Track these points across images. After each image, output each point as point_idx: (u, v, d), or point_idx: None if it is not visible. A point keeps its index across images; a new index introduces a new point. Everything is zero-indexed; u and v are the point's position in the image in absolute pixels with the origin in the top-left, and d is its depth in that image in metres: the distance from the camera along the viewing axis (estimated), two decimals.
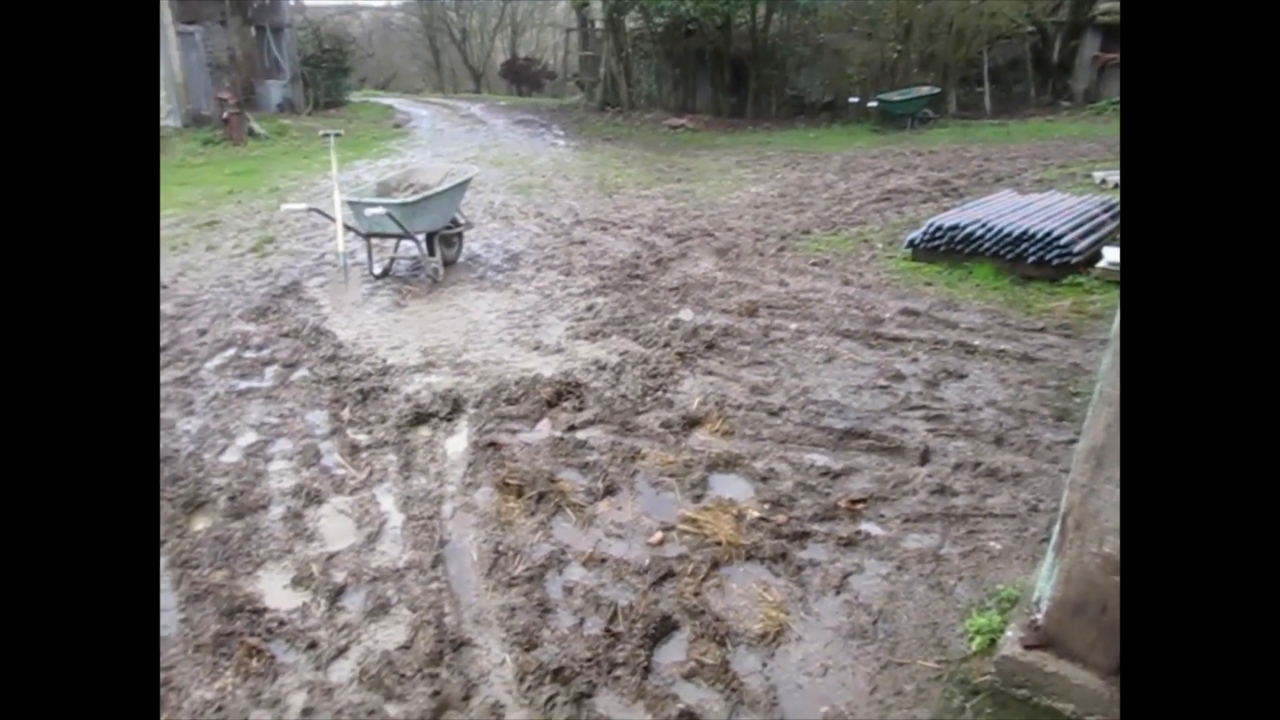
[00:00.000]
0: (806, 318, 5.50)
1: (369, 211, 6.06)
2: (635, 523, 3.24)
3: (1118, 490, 1.93)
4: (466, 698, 2.39)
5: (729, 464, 3.63)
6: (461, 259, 7.23)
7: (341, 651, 2.59)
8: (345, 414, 4.22)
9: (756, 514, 3.23)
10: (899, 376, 4.51)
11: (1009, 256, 6.26)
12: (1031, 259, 6.14)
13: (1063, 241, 6.02)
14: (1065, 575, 2.15)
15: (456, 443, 3.92)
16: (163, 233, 8.31)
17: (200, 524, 3.30)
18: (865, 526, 3.17)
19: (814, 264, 6.88)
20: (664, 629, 2.64)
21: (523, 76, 32.46)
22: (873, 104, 16.68)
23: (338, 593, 2.86)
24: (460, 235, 7.21)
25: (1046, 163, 11.35)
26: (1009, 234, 6.24)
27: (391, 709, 2.35)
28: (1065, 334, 5.09)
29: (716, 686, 2.42)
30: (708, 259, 7.12)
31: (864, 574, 2.91)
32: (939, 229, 6.63)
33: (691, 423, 4.02)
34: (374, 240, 6.64)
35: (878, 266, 6.77)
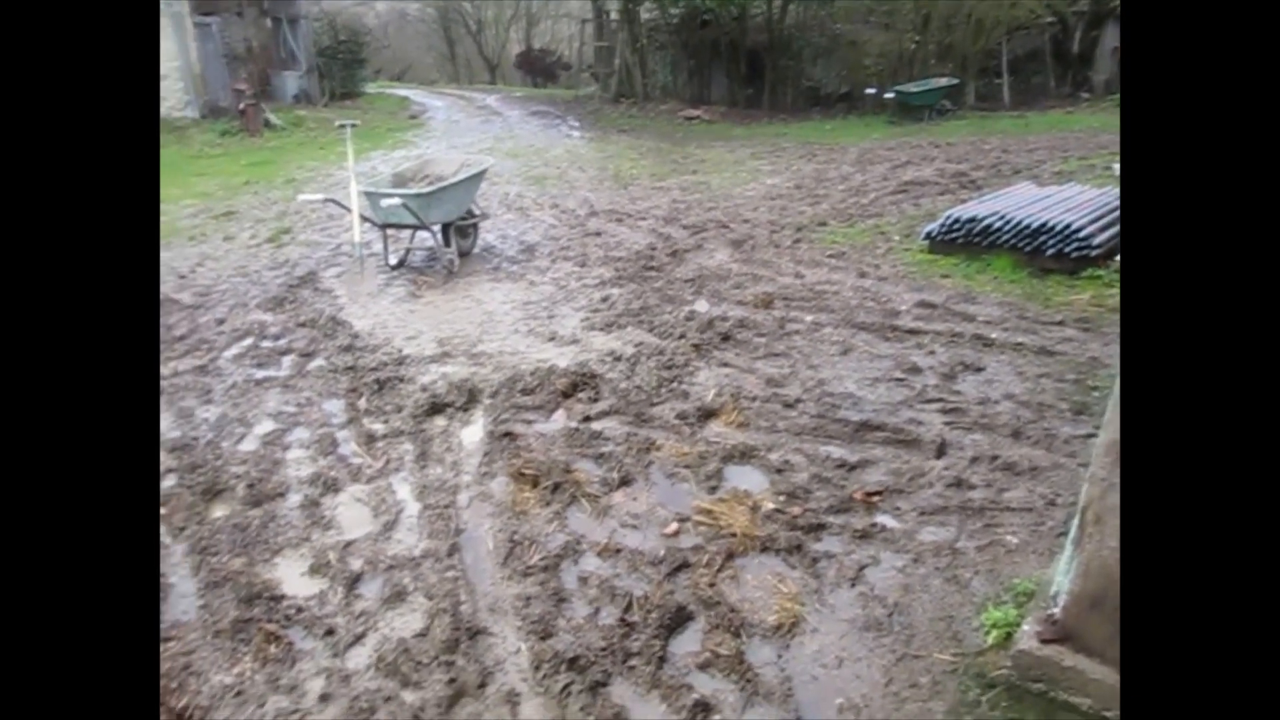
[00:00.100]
0: (822, 310, 5.47)
1: (385, 202, 6.08)
2: (650, 513, 3.24)
3: None
4: (482, 685, 2.41)
5: (744, 455, 3.62)
6: (477, 250, 7.24)
7: (359, 638, 2.61)
8: (362, 403, 4.25)
9: (772, 505, 3.22)
10: (915, 369, 4.49)
11: (1027, 249, 6.20)
12: (1050, 251, 6.08)
13: (1082, 234, 5.96)
14: (1084, 569, 2.14)
15: (472, 433, 3.94)
16: (180, 223, 8.38)
17: (219, 511, 3.34)
18: (881, 519, 3.16)
19: (830, 256, 6.84)
20: (679, 619, 2.65)
21: (538, 68, 32.40)
22: (889, 95, 16.53)
23: (355, 580, 2.89)
24: (476, 226, 7.22)
25: (1066, 155, 11.22)
26: (1027, 226, 6.17)
27: (408, 695, 2.37)
28: (1084, 327, 5.04)
29: (731, 677, 2.42)
30: (723, 251, 7.09)
31: (879, 566, 2.90)
32: (956, 221, 6.58)
33: (707, 414, 4.01)
34: (390, 231, 6.66)
35: (894, 259, 6.72)
